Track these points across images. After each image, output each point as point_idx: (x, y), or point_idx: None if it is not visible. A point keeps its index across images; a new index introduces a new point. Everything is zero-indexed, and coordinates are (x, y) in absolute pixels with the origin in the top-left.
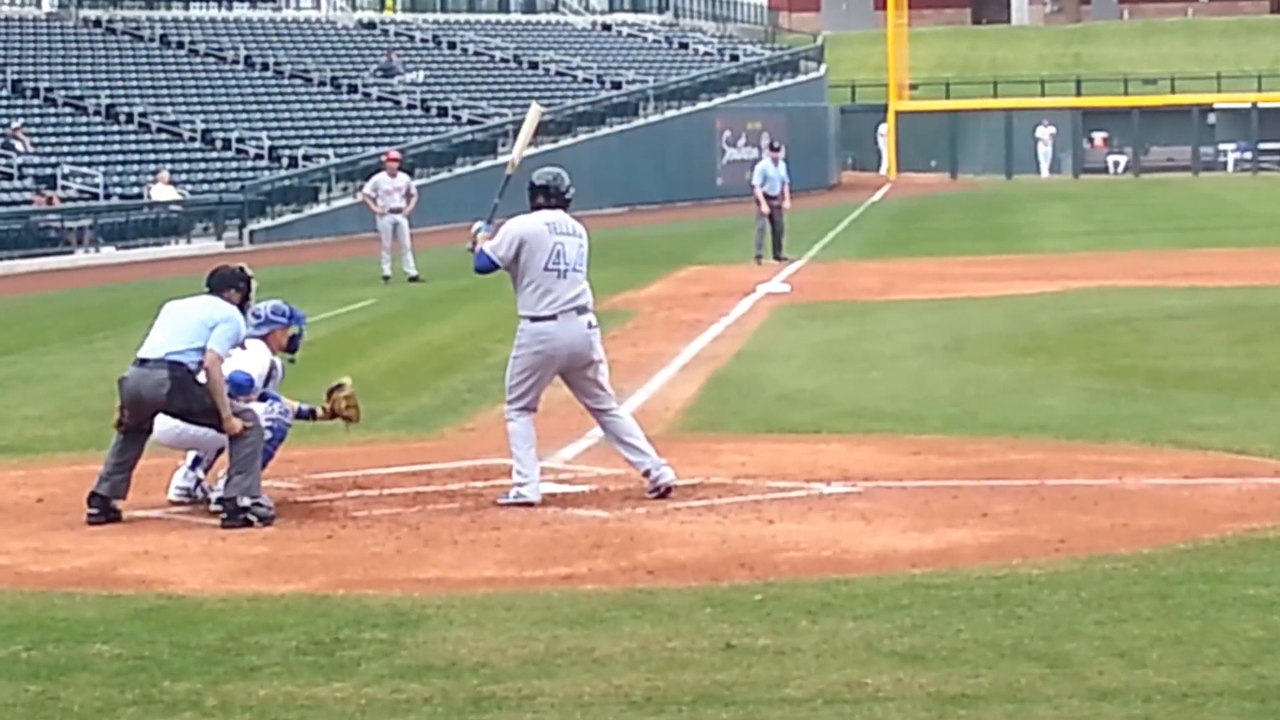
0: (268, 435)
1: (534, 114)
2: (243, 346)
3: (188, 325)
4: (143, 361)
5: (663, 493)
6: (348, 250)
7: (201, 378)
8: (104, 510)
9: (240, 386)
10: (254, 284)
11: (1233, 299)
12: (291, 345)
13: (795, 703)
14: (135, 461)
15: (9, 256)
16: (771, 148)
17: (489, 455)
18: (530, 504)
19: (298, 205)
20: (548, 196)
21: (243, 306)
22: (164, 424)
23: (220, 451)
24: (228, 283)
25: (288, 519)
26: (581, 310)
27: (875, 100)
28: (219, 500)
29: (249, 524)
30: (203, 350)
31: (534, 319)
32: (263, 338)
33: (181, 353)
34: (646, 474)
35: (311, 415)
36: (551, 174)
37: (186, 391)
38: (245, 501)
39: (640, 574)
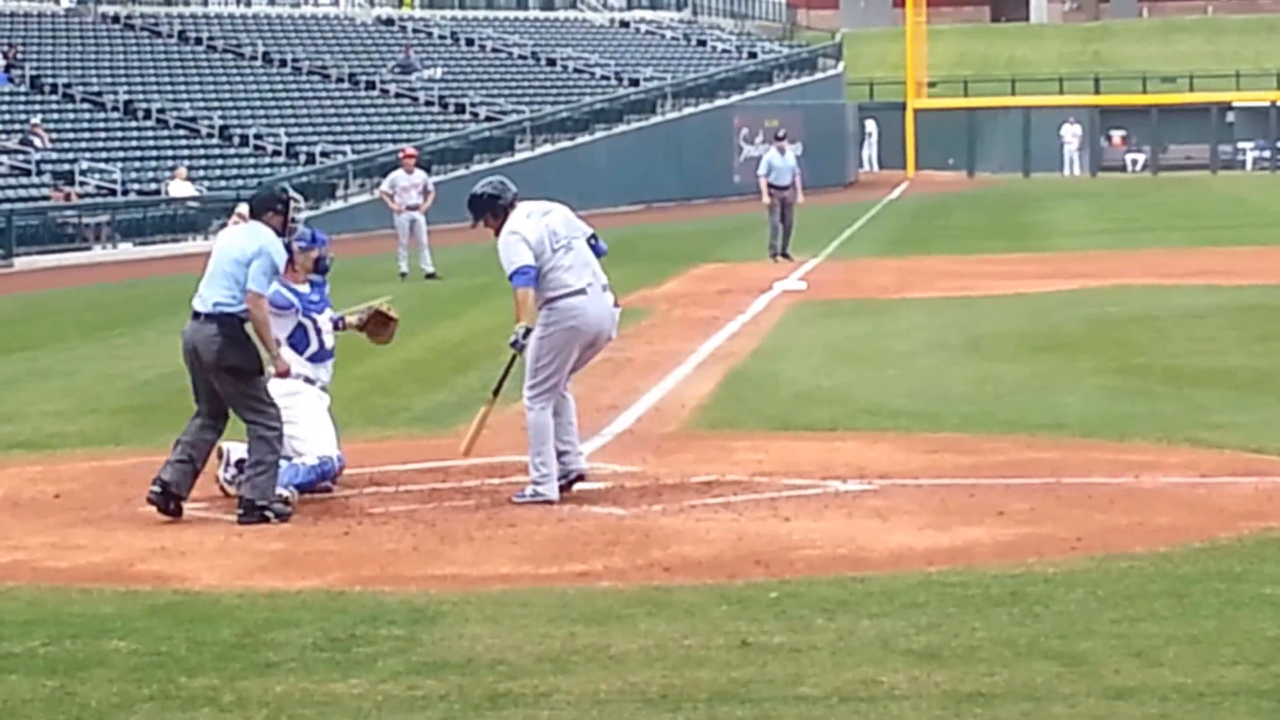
0: (312, 475)
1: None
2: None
3: (226, 267)
4: (195, 315)
5: (573, 480)
6: (365, 247)
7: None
8: (165, 497)
9: (279, 307)
10: (294, 204)
11: (1250, 298)
12: (319, 267)
13: (811, 700)
14: (204, 454)
15: (27, 252)
16: (777, 137)
17: (505, 452)
18: (549, 502)
19: (315, 202)
20: (510, 202)
21: (284, 229)
22: None
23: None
24: (266, 205)
25: (304, 515)
26: (606, 288)
27: (894, 98)
28: (240, 500)
29: (266, 520)
30: (245, 291)
31: (564, 296)
32: (286, 262)
33: (227, 303)
34: (570, 458)
35: (341, 323)
36: (499, 183)
37: (239, 346)
38: (262, 500)
39: (656, 571)
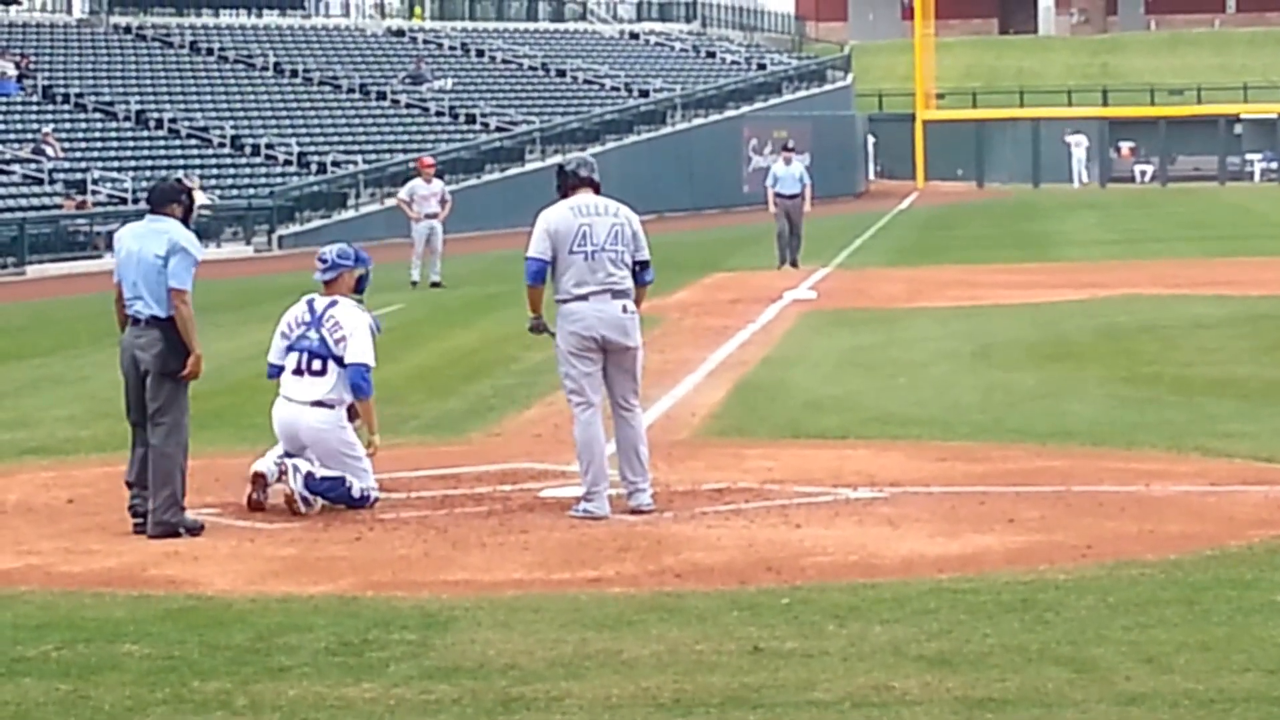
0: (356, 495)
1: None
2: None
3: (152, 274)
4: (135, 322)
5: (632, 512)
6: (376, 256)
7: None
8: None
9: (358, 375)
10: (195, 197)
11: (1259, 307)
12: (359, 286)
13: (823, 705)
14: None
15: (40, 260)
16: (785, 148)
17: (516, 459)
18: (598, 518)
19: (326, 211)
20: (573, 181)
21: (186, 220)
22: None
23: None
24: (168, 198)
25: (316, 522)
26: (616, 294)
27: (903, 109)
28: (152, 524)
29: (177, 535)
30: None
31: (564, 301)
32: (331, 282)
33: (160, 306)
34: (624, 489)
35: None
36: (576, 159)
37: (180, 350)
38: (175, 520)
39: (668, 577)
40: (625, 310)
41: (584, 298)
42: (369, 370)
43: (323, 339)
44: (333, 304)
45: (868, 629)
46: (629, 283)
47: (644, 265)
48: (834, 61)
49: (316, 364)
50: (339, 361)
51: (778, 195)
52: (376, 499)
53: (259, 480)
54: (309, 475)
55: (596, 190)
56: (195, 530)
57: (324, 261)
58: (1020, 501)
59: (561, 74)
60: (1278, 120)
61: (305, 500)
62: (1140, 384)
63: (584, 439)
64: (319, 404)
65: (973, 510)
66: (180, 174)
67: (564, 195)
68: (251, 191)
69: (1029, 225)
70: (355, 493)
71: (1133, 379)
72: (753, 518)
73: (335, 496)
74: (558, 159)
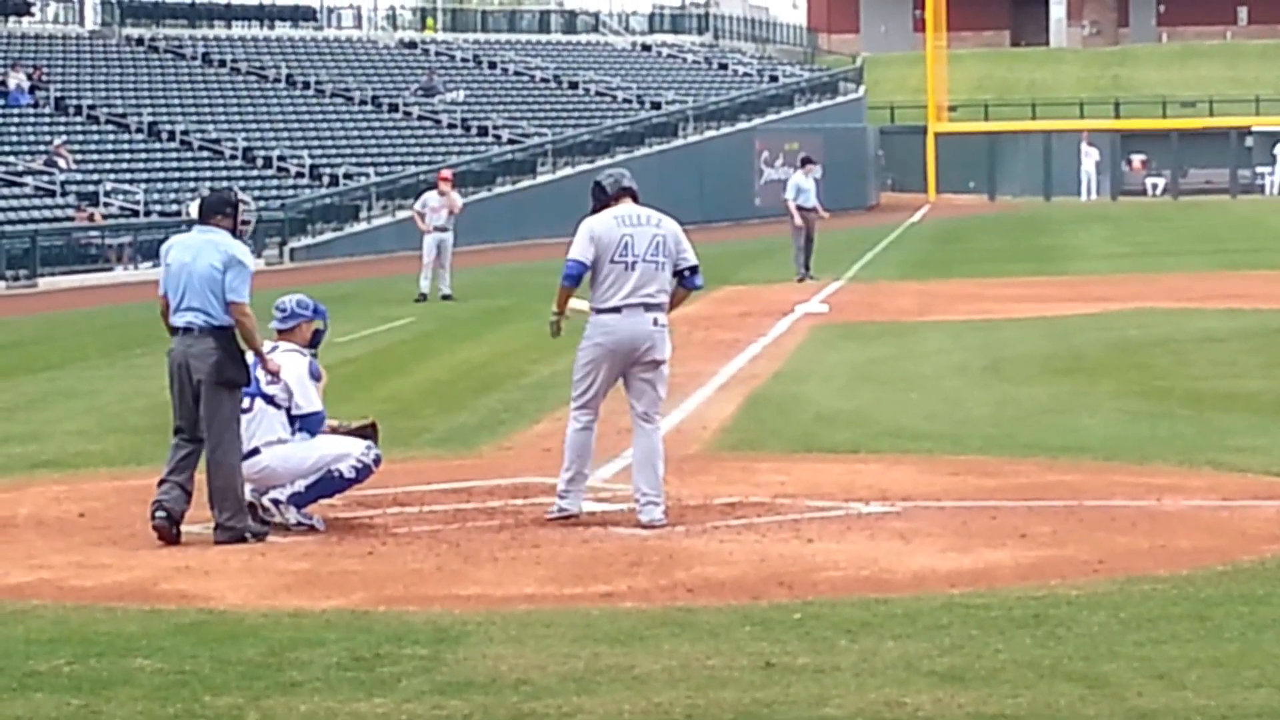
0: (351, 475)
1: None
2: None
3: (204, 283)
4: (186, 331)
5: (641, 526)
6: (387, 268)
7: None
8: (169, 521)
9: (317, 378)
10: (242, 209)
11: (1271, 322)
12: (315, 340)
13: None
14: (191, 477)
15: (51, 272)
16: (806, 160)
17: (528, 473)
18: (571, 515)
19: (338, 223)
20: (614, 193)
21: (234, 233)
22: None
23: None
24: (216, 209)
25: (328, 535)
26: (649, 307)
27: (915, 121)
28: (218, 529)
29: (244, 540)
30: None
31: (599, 311)
32: (288, 331)
33: (217, 317)
34: (636, 502)
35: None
36: (612, 174)
37: (235, 359)
38: (240, 526)
39: (680, 592)
40: (656, 324)
41: (618, 309)
42: (319, 413)
43: (256, 379)
44: (273, 349)
45: (879, 644)
46: (663, 296)
47: (693, 270)
48: (846, 74)
49: (245, 401)
50: (268, 400)
51: (799, 207)
52: (378, 456)
53: (253, 509)
54: (294, 496)
55: (635, 200)
56: (261, 536)
57: (282, 310)
58: (1032, 516)
59: (574, 86)
60: None
61: (306, 518)
62: (1152, 398)
63: (576, 441)
64: (248, 455)
65: (984, 525)
66: (232, 187)
67: (601, 208)
68: (263, 204)
69: (1041, 238)
70: (349, 474)
71: (1144, 393)
72: (764, 532)
73: (334, 491)
74: (569, 171)
